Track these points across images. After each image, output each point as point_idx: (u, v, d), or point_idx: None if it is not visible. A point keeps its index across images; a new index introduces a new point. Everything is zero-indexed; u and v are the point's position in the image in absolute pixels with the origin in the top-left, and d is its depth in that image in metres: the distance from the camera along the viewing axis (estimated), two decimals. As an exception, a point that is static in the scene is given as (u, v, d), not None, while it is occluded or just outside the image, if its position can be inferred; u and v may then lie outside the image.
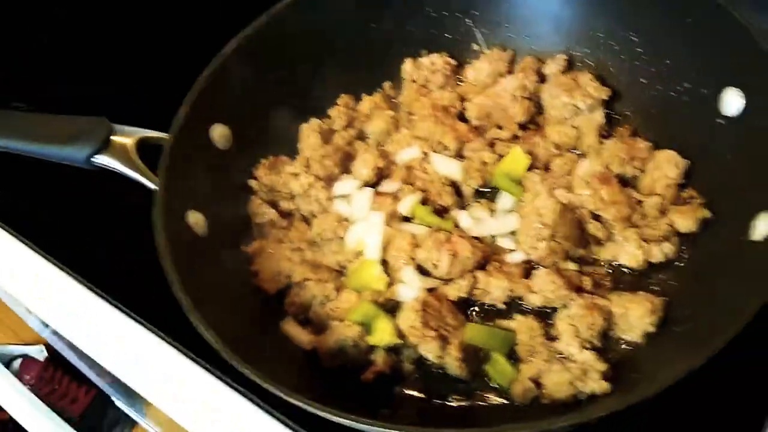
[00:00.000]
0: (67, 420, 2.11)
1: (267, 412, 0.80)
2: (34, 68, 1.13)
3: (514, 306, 0.86)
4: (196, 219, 0.87)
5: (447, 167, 0.95)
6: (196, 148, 0.91)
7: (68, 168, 0.89)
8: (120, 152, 0.87)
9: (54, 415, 1.49)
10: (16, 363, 2.16)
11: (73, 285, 0.94)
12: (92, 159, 0.86)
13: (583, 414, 0.69)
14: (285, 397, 0.67)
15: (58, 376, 2.10)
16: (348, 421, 0.64)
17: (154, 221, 0.80)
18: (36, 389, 2.07)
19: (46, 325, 1.68)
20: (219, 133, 0.95)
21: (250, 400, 0.81)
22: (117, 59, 1.15)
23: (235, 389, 0.81)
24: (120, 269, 0.97)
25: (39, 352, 2.21)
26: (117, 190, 0.91)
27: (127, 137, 0.88)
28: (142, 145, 0.89)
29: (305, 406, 0.66)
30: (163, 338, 0.87)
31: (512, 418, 0.77)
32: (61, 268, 0.95)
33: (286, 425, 0.78)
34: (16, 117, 0.89)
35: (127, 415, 1.87)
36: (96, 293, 0.92)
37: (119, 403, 1.89)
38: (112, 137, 0.87)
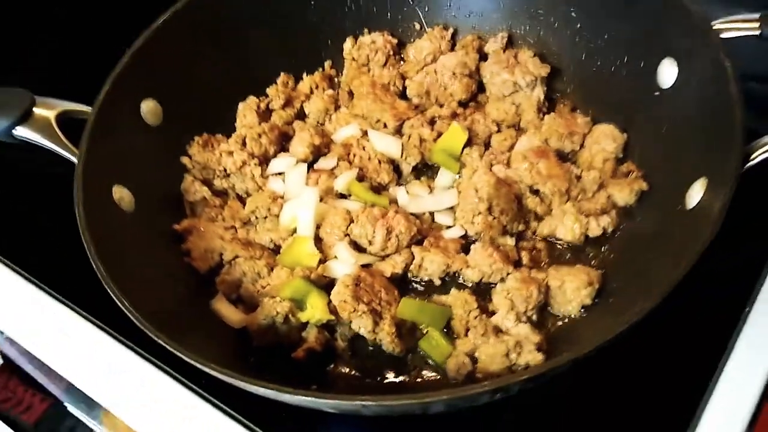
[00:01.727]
0: (22, 429, 2.04)
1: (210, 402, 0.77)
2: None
3: (451, 282, 0.84)
4: (121, 194, 0.84)
5: (385, 144, 0.92)
6: (122, 122, 0.88)
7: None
8: (41, 125, 0.84)
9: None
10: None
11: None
12: (12, 131, 0.82)
13: (502, 380, 0.66)
14: (212, 372, 0.64)
15: (13, 385, 2.02)
16: (271, 392, 0.61)
17: (75, 195, 0.77)
18: None
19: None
20: (148, 108, 0.92)
21: (194, 392, 0.78)
22: (42, 28, 1.10)
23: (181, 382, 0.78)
24: (46, 252, 0.93)
25: (-7, 361, 2.14)
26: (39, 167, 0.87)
27: (49, 109, 0.85)
28: (65, 118, 0.86)
29: (232, 380, 0.63)
30: (98, 325, 0.84)
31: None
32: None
33: (224, 412, 0.75)
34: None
35: (83, 423, 1.81)
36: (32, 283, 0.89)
37: (74, 411, 1.83)
38: (34, 109, 0.83)
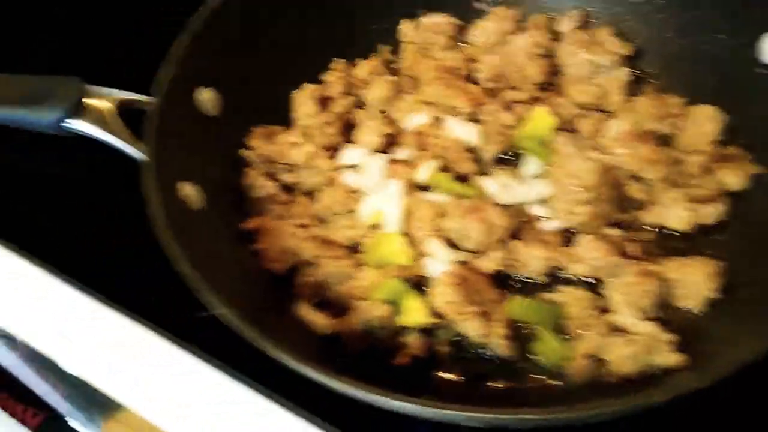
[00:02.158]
0: None
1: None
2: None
3: (554, 278, 0.77)
4: (189, 191, 0.76)
5: (464, 131, 0.85)
6: (182, 114, 0.80)
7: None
8: (96, 116, 0.75)
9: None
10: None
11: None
12: (63, 123, 0.73)
13: (660, 392, 0.61)
14: (324, 380, 0.57)
15: (2, 400, 1.92)
16: (413, 407, 0.54)
17: (146, 192, 0.68)
18: None
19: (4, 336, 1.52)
20: (206, 97, 0.84)
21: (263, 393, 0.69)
22: (89, 12, 1.00)
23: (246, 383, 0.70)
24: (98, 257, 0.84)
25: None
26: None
27: (104, 99, 0.76)
28: (120, 108, 0.77)
29: (355, 392, 0.55)
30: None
31: (570, 399, 0.68)
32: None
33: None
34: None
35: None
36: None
37: (73, 423, 1.74)
38: (86, 99, 0.75)
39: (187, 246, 0.66)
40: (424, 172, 0.81)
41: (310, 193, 0.86)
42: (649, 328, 0.69)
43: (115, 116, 0.75)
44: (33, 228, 0.85)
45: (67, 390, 1.56)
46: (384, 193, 0.80)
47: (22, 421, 1.90)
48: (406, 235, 0.78)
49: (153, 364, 0.73)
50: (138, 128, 0.77)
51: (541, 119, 0.85)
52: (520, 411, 0.53)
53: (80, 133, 0.73)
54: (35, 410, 1.80)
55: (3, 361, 1.60)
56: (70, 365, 0.82)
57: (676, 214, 0.77)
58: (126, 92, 0.77)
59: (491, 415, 0.53)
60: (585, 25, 0.94)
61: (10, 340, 1.51)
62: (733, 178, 0.78)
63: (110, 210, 0.81)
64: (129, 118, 0.77)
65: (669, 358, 0.66)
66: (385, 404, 0.56)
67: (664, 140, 0.84)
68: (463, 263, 0.76)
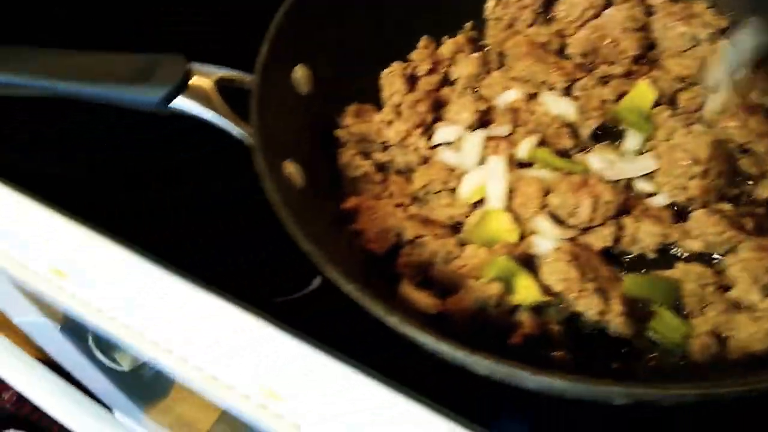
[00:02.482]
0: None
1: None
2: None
3: (664, 255, 0.75)
4: (292, 169, 0.75)
5: (562, 106, 0.83)
6: (280, 91, 0.79)
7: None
8: (200, 94, 0.74)
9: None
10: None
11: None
12: (169, 103, 0.72)
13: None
14: (450, 350, 0.55)
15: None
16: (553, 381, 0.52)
17: (260, 171, 0.67)
18: (17, 408, 1.90)
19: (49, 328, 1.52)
20: (300, 75, 0.82)
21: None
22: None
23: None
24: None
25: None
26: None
27: (206, 77, 0.75)
28: (222, 86, 0.76)
29: (505, 369, 0.54)
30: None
31: (694, 378, 0.66)
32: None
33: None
34: (77, 56, 0.74)
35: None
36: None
37: (118, 414, 1.75)
38: (190, 77, 0.73)
39: (302, 224, 0.65)
40: (525, 147, 0.79)
41: (403, 172, 0.85)
42: (775, 304, 0.67)
43: (217, 94, 0.73)
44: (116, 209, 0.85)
45: (109, 381, 1.57)
46: (486, 170, 0.78)
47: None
48: (511, 211, 0.77)
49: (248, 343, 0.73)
50: (235, 106, 0.75)
51: (642, 93, 0.82)
52: (672, 387, 0.51)
53: (184, 112, 0.72)
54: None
55: (53, 354, 1.61)
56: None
57: (790, 189, 0.75)
58: (227, 70, 0.76)
59: (646, 390, 0.51)
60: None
61: (55, 332, 1.52)
62: None
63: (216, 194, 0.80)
64: (227, 97, 0.76)
65: (802, 334, 0.64)
66: (527, 380, 0.55)
67: (769, 112, 0.81)
68: (571, 240, 0.74)
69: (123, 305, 0.85)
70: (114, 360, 1.44)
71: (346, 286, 0.60)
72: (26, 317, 1.52)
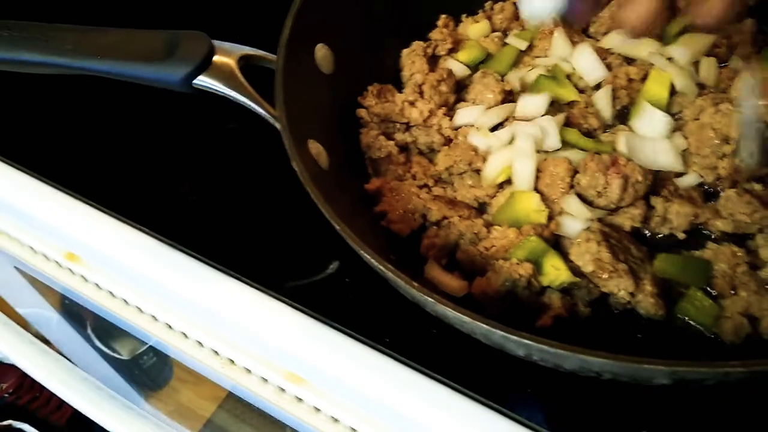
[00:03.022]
0: (54, 428, 1.93)
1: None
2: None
3: (694, 235, 0.74)
4: (318, 149, 0.74)
5: (594, 71, 0.83)
6: (303, 71, 0.78)
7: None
8: (223, 72, 0.73)
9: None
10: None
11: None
12: (193, 80, 0.71)
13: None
14: (500, 333, 0.54)
15: (39, 384, 1.92)
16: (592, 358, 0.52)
17: (287, 149, 0.66)
18: (16, 398, 1.89)
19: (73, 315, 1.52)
20: (321, 54, 0.82)
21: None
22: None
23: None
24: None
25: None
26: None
27: (228, 56, 0.74)
28: (245, 64, 0.75)
29: (544, 347, 0.53)
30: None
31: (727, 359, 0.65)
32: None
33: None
34: (101, 33, 0.73)
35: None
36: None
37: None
38: (213, 55, 0.72)
39: (330, 203, 0.64)
40: (553, 128, 0.78)
41: (425, 153, 0.84)
42: (810, 284, 0.66)
43: (240, 73, 0.72)
44: (131, 193, 0.84)
45: (111, 370, 1.57)
46: (513, 150, 0.77)
47: (60, 404, 1.91)
48: (538, 192, 0.76)
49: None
50: (258, 84, 0.74)
51: (662, 74, 0.81)
52: (718, 365, 0.51)
53: (208, 89, 0.71)
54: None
55: (50, 337, 1.60)
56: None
57: (822, 168, 0.74)
58: (250, 48, 0.74)
59: (687, 368, 0.50)
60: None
61: (73, 315, 1.51)
62: None
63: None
64: (249, 74, 0.75)
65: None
66: (570, 360, 0.54)
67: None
68: (600, 221, 0.73)
69: (136, 289, 0.84)
70: (113, 349, 1.44)
71: (379, 265, 0.58)
72: (29, 308, 1.52)
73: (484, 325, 0.54)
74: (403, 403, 0.66)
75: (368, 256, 0.58)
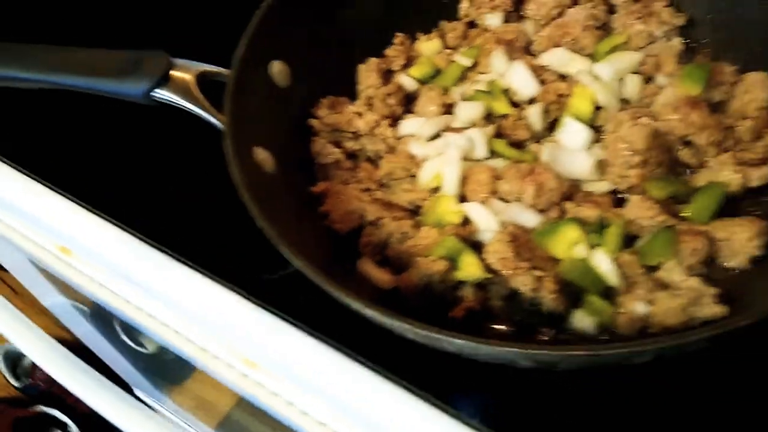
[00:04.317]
0: (81, 416, 2.06)
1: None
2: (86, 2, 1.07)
3: (603, 238, 0.81)
4: (263, 156, 0.83)
5: (527, 87, 0.90)
6: (256, 85, 0.87)
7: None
8: (180, 86, 0.82)
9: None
10: (26, 361, 2.10)
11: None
12: (152, 93, 0.81)
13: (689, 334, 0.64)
14: (387, 320, 0.62)
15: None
16: (466, 343, 0.59)
17: (226, 155, 0.75)
18: (50, 386, 2.02)
19: (76, 310, 1.63)
20: (277, 69, 0.90)
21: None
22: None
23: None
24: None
25: (51, 349, 2.15)
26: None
27: (186, 72, 0.83)
28: (202, 79, 0.84)
29: (423, 332, 0.61)
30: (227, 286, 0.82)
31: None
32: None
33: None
34: (70, 52, 0.84)
35: (148, 406, 1.82)
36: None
37: (139, 393, 1.84)
38: (171, 71, 0.82)
39: (265, 205, 0.73)
40: (481, 139, 0.86)
41: (372, 160, 0.92)
42: (693, 282, 0.72)
43: (196, 87, 0.81)
44: (117, 194, 0.94)
45: (133, 362, 1.66)
46: (442, 159, 0.85)
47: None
48: (464, 196, 0.83)
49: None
50: (217, 98, 0.83)
51: (583, 92, 0.88)
52: (567, 348, 0.58)
53: (166, 101, 0.80)
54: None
55: (78, 334, 1.71)
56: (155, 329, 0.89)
57: (725, 177, 0.80)
58: (207, 65, 0.84)
59: (539, 351, 0.58)
60: (637, -2, 0.97)
61: (82, 314, 1.62)
62: (783, 142, 0.80)
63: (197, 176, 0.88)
64: (210, 89, 0.84)
65: (712, 309, 0.69)
66: (445, 343, 0.62)
67: (715, 107, 0.86)
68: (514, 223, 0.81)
69: (120, 280, 0.94)
70: (139, 343, 1.53)
71: (295, 261, 0.67)
72: (53, 299, 1.63)
73: (369, 310, 0.62)
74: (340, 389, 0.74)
75: (285, 251, 0.67)
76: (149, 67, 0.80)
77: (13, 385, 2.19)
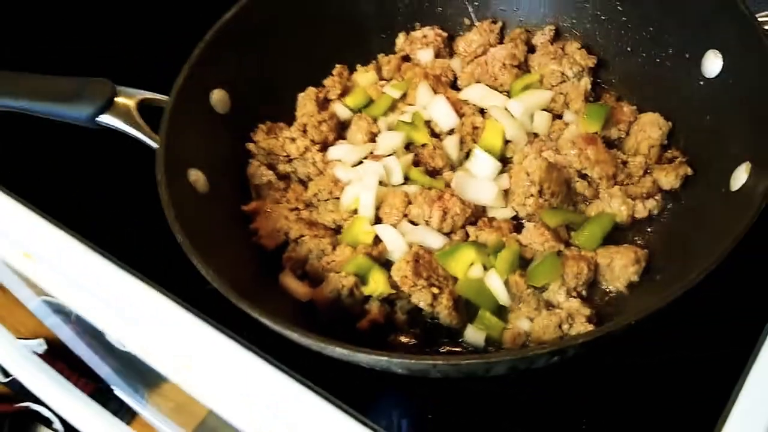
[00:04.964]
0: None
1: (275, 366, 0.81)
2: (35, 30, 1.15)
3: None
4: (196, 177, 0.90)
5: (446, 119, 0.98)
6: (195, 111, 0.94)
7: (68, 130, 0.92)
8: (122, 112, 0.90)
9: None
10: (13, 356, 2.16)
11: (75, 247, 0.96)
12: (96, 118, 0.89)
13: (562, 342, 0.72)
14: (295, 337, 0.69)
15: (58, 369, 2.10)
16: (346, 352, 0.67)
17: (157, 177, 0.83)
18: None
19: (59, 311, 1.70)
20: (217, 97, 0.97)
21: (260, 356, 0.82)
22: (119, 21, 1.17)
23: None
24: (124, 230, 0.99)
25: (38, 346, 2.22)
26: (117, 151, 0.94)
27: (129, 98, 0.91)
28: (144, 106, 0.92)
29: (315, 344, 0.68)
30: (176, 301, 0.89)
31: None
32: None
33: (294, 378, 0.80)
34: (23, 77, 0.92)
35: (126, 407, 1.89)
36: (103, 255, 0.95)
37: (119, 393, 1.90)
38: (115, 98, 0.90)
39: (189, 223, 0.80)
40: (396, 166, 0.93)
41: (303, 182, 1.00)
42: (573, 303, 0.80)
43: (137, 113, 0.89)
44: (77, 211, 1.01)
45: (115, 363, 1.73)
46: (361, 183, 0.93)
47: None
48: (379, 218, 0.91)
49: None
50: (158, 124, 0.91)
51: (493, 126, 0.95)
52: (427, 358, 0.66)
53: (109, 126, 0.88)
54: (87, 380, 1.99)
55: (60, 334, 1.78)
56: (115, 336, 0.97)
57: (614, 208, 0.88)
58: (148, 92, 0.92)
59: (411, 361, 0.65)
60: (557, 38, 1.05)
61: (66, 315, 1.69)
62: (669, 178, 0.88)
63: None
64: (154, 115, 0.92)
65: (582, 327, 0.77)
66: (343, 356, 0.69)
67: (613, 144, 0.94)
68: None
69: (74, 284, 1.01)
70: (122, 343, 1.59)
71: (204, 270, 0.74)
72: (34, 302, 1.70)
73: (268, 322, 0.69)
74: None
75: (195, 262, 0.74)
76: (94, 94, 0.88)
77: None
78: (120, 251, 0.95)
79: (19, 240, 1.05)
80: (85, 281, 0.96)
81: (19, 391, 2.21)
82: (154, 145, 0.89)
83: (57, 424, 2.14)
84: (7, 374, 2.24)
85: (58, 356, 2.03)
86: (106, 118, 0.89)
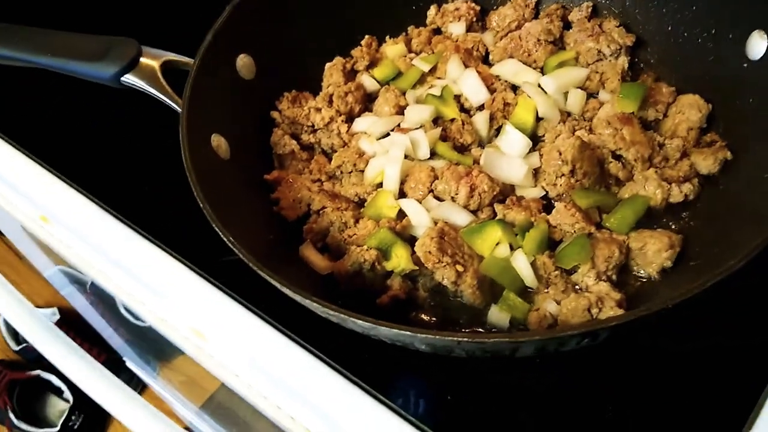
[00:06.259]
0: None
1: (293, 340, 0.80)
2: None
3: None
4: (219, 142, 0.88)
5: (476, 94, 0.95)
6: (220, 75, 0.92)
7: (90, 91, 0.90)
8: (147, 73, 0.88)
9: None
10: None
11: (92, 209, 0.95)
12: (120, 78, 0.87)
13: (587, 324, 0.70)
14: (314, 305, 0.67)
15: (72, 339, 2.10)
16: (368, 325, 0.65)
17: (180, 139, 0.81)
18: None
19: (75, 280, 1.69)
20: (243, 62, 0.96)
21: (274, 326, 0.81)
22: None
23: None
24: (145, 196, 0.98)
25: (51, 315, 2.22)
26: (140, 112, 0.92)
27: (154, 59, 0.89)
28: (168, 67, 0.90)
29: (334, 314, 0.66)
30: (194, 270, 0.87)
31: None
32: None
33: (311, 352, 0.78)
34: (48, 34, 0.90)
35: (137, 378, 1.89)
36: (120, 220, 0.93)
37: (131, 365, 1.90)
38: (140, 58, 0.88)
39: (210, 188, 0.78)
40: (424, 140, 0.91)
41: (326, 154, 0.97)
42: (602, 287, 0.77)
43: (161, 74, 0.87)
44: (97, 174, 1.00)
45: (127, 335, 1.73)
46: (387, 156, 0.90)
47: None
48: (404, 193, 0.89)
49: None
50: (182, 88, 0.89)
51: (526, 103, 0.92)
52: (449, 334, 0.63)
53: (133, 86, 0.87)
54: (98, 350, 2.00)
55: (74, 303, 1.78)
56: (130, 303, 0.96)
57: (648, 191, 0.84)
58: (173, 54, 0.90)
59: (426, 335, 0.63)
60: (594, 15, 1.02)
61: (81, 285, 1.69)
62: (706, 162, 0.84)
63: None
64: (179, 77, 0.90)
65: (612, 312, 0.74)
66: (365, 329, 0.67)
67: (650, 125, 0.91)
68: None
69: (92, 249, 1.00)
70: (136, 316, 1.59)
71: (228, 239, 0.72)
72: (51, 271, 1.70)
73: (289, 291, 0.67)
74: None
75: (220, 231, 0.72)
76: (119, 53, 0.87)
77: (12, 349, 2.27)
78: (138, 217, 0.95)
79: (36, 202, 1.04)
80: (102, 246, 0.95)
81: (30, 359, 2.23)
82: (177, 108, 0.87)
83: (67, 394, 2.15)
84: (19, 342, 2.26)
85: (70, 326, 2.05)
86: (130, 78, 0.88)
